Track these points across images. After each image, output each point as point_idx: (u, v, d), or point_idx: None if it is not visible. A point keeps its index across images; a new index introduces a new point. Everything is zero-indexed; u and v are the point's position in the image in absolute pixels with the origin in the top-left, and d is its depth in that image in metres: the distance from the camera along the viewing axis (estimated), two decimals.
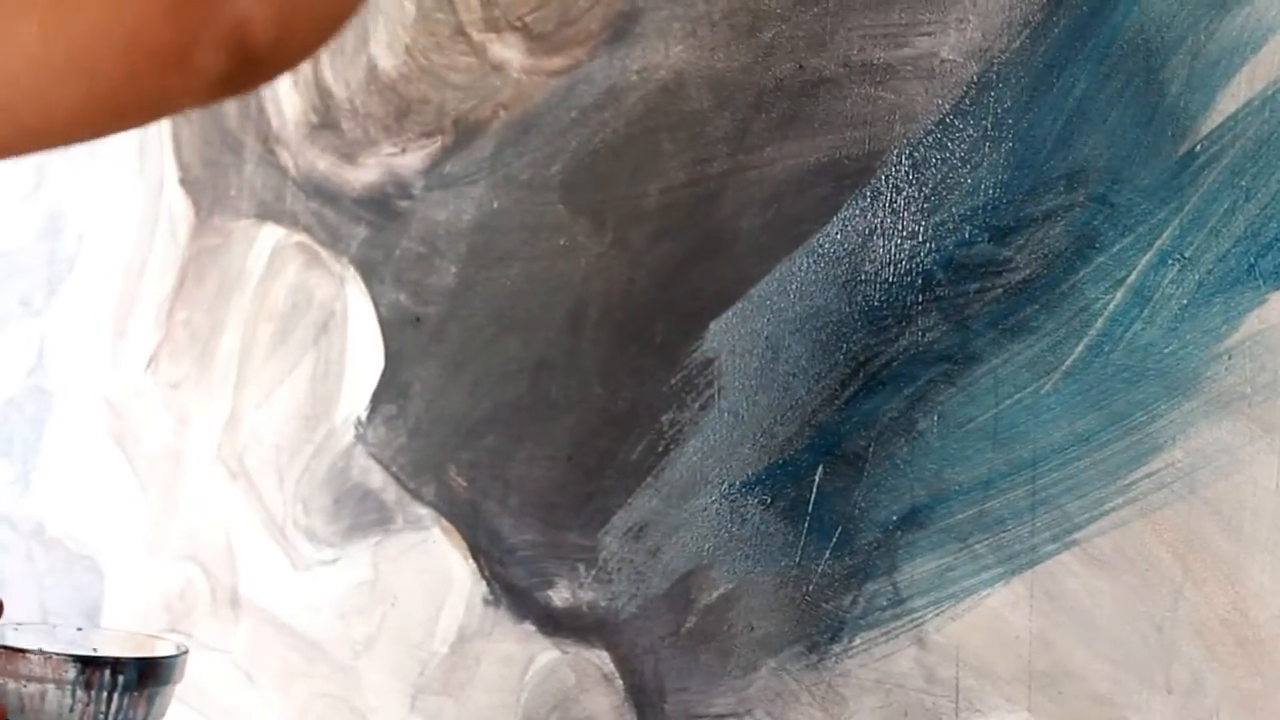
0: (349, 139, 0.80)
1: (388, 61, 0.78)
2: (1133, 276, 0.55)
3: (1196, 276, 0.54)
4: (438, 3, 0.76)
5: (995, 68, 0.58)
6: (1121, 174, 0.55)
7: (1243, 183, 0.53)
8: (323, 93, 0.80)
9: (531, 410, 0.74)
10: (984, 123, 0.59)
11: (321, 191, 0.80)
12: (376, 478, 0.80)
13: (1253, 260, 0.53)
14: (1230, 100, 0.53)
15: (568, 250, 0.72)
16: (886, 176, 0.61)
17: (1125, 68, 0.56)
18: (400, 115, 0.78)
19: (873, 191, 0.62)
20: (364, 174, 0.78)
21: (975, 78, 0.59)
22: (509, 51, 0.74)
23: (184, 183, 0.82)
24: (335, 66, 0.79)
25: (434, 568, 0.78)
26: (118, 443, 0.78)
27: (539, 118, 0.73)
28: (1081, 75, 0.56)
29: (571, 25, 0.72)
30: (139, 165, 0.80)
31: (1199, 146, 0.54)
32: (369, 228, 0.79)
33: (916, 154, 0.60)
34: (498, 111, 0.75)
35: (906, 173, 0.61)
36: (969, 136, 0.59)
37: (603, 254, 0.71)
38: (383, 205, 0.79)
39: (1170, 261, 0.54)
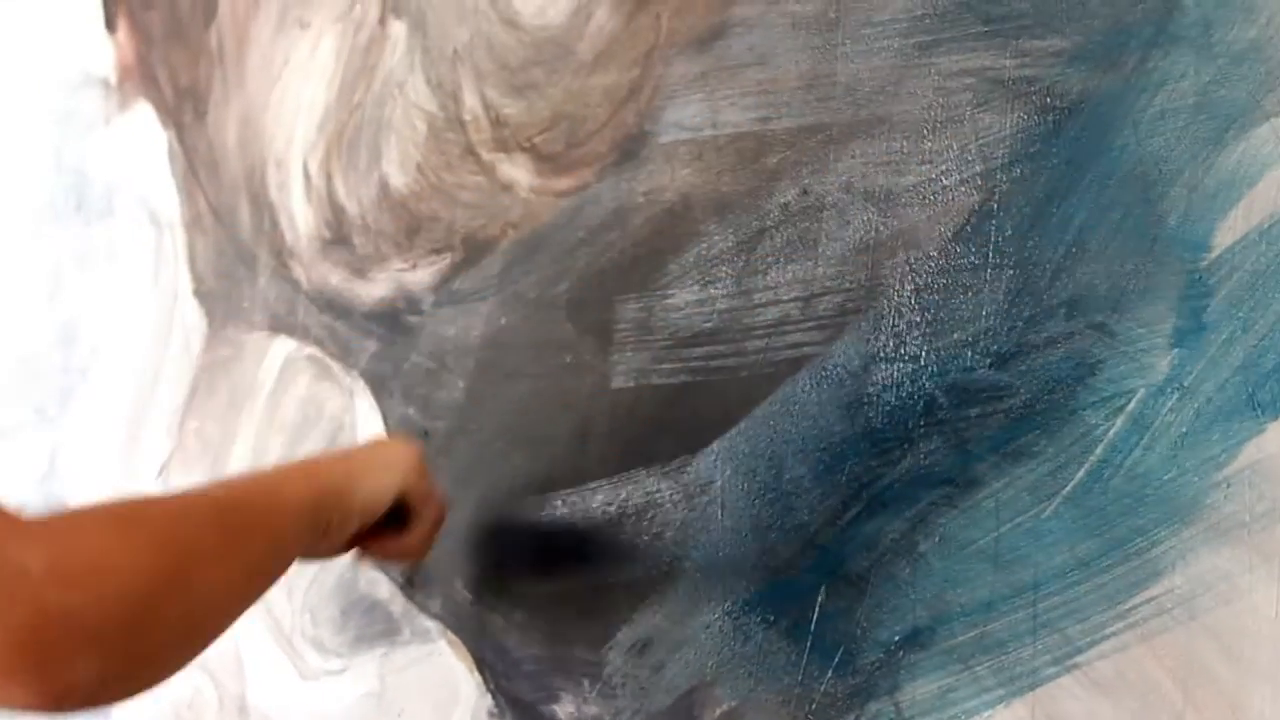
0: (360, 254, 0.80)
1: (399, 179, 0.78)
2: (1132, 404, 0.55)
3: (1195, 405, 0.54)
4: (449, 122, 0.77)
5: (996, 196, 0.59)
6: (1121, 303, 0.55)
7: (1240, 314, 0.53)
8: (335, 209, 0.81)
9: (537, 525, 0.74)
10: (985, 250, 0.59)
11: (333, 305, 0.80)
12: (384, 589, 0.79)
13: (1251, 390, 0.53)
14: (1227, 233, 0.53)
15: (574, 368, 0.72)
16: (889, 301, 0.61)
17: (1124, 199, 0.56)
18: (411, 232, 0.78)
19: (875, 315, 0.62)
20: (375, 289, 0.79)
21: (977, 205, 0.59)
22: (518, 171, 0.74)
23: (198, 294, 0.82)
24: (348, 183, 0.80)
25: (440, 680, 0.77)
26: None
27: (547, 237, 0.74)
28: (1081, 205, 0.56)
29: (580, 147, 0.72)
30: (154, 276, 0.81)
31: (1197, 278, 0.54)
32: (379, 342, 0.79)
33: (919, 279, 0.61)
34: (506, 230, 0.75)
35: (909, 298, 0.61)
36: (970, 263, 0.59)
37: (608, 373, 0.71)
38: (393, 320, 0.79)
39: (1169, 390, 0.55)
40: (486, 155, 0.75)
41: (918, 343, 0.61)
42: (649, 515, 0.70)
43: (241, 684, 0.81)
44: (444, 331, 0.77)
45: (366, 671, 0.79)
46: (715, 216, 0.68)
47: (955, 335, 0.60)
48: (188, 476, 0.80)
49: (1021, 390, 0.58)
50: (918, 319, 0.61)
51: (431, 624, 0.77)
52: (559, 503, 0.73)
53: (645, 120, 0.71)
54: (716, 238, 0.67)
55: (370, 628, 0.79)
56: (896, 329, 0.62)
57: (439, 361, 0.76)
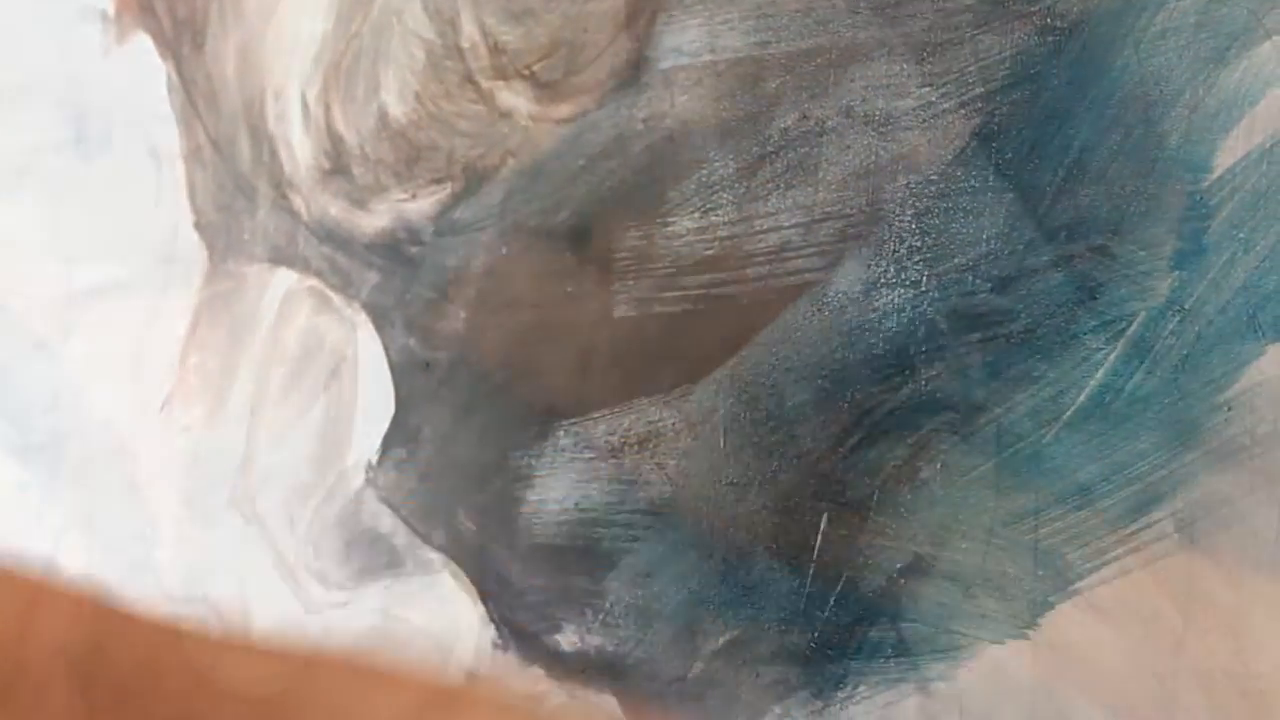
0: (360, 185, 0.80)
1: (397, 109, 0.78)
2: (1133, 328, 0.55)
3: (1196, 328, 0.54)
4: (447, 50, 0.76)
5: (996, 119, 0.58)
6: (1121, 225, 0.55)
7: (1241, 235, 0.53)
8: (334, 139, 0.80)
9: (540, 455, 0.74)
10: (985, 173, 0.59)
11: (334, 237, 0.80)
12: (387, 522, 0.79)
13: (1251, 312, 0.53)
14: (1229, 154, 0.53)
15: (576, 297, 0.72)
16: (889, 226, 0.61)
17: (1125, 120, 0.55)
18: (410, 162, 0.78)
19: (876, 241, 0.62)
20: (375, 220, 0.78)
21: (976, 129, 0.59)
22: (517, 99, 0.74)
23: (198, 227, 0.82)
24: (346, 113, 0.79)
25: (444, 611, 0.78)
26: (131, 486, 0.78)
27: (547, 165, 0.73)
28: (1081, 127, 0.56)
29: (578, 74, 0.72)
30: (154, 209, 0.80)
31: (1198, 199, 0.54)
32: (380, 273, 0.79)
33: (919, 204, 0.60)
34: (506, 159, 0.74)
35: (909, 223, 0.61)
36: (970, 187, 0.59)
37: (610, 302, 0.71)
38: (394, 251, 0.79)
39: (1170, 313, 0.54)
40: (485, 83, 0.75)
41: (919, 268, 0.61)
42: (651, 444, 0.70)
43: (246, 618, 0.81)
44: (445, 262, 0.76)
45: (370, 604, 0.79)
46: (715, 143, 0.67)
47: (956, 260, 0.59)
48: (190, 410, 0.80)
49: (1022, 314, 0.57)
50: (918, 244, 0.61)
51: (435, 556, 0.77)
52: (561, 433, 0.73)
53: (644, 46, 0.70)
54: (717, 164, 0.67)
55: (374, 560, 0.79)
56: (897, 254, 0.61)
57: (440, 292, 0.76)
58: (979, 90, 0.58)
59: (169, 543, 0.77)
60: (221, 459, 0.80)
